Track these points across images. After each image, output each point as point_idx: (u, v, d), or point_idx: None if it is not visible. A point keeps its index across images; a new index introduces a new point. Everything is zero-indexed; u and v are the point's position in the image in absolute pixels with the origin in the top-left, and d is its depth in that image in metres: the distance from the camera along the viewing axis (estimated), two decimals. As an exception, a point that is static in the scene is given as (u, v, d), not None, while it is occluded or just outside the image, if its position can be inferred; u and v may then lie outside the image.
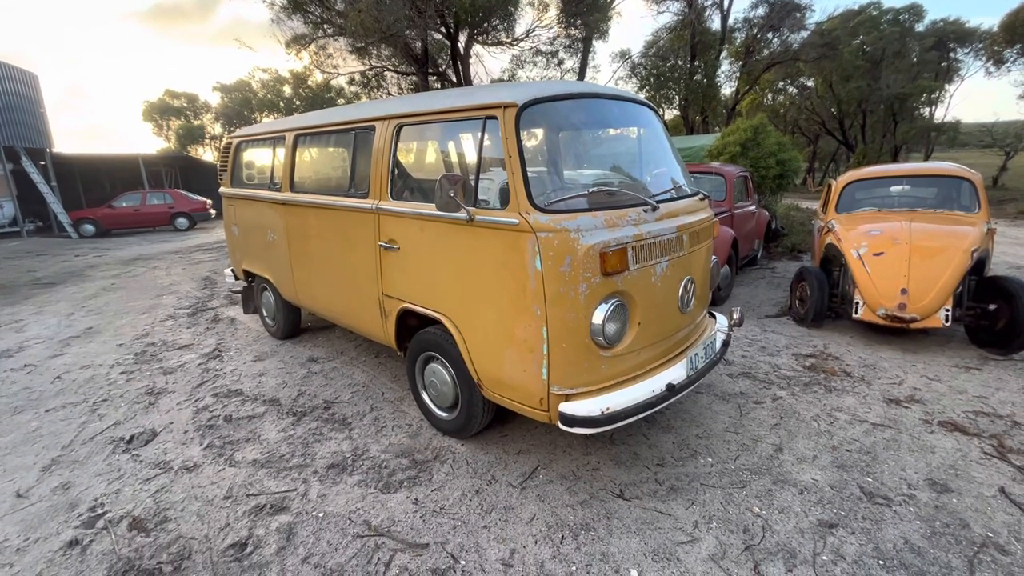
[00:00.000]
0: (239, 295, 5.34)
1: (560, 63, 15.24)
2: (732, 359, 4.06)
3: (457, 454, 2.82)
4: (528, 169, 2.20)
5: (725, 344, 2.94)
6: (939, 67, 23.58)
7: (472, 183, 2.33)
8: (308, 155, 3.97)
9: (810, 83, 24.44)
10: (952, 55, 23.46)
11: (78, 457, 2.95)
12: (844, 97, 22.74)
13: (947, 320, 3.94)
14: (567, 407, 2.20)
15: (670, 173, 2.84)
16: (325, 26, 11.84)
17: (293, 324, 4.72)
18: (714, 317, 3.17)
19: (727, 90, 19.54)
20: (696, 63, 16.94)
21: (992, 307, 4.05)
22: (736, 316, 3.04)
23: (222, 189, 4.88)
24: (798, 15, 17.54)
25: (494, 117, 2.27)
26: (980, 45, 21.75)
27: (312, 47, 12.41)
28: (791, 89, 26.33)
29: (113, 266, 9.78)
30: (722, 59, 18.25)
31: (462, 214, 2.29)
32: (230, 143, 4.81)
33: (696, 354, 2.61)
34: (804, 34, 18.26)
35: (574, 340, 2.19)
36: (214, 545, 2.19)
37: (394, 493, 2.50)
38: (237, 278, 5.12)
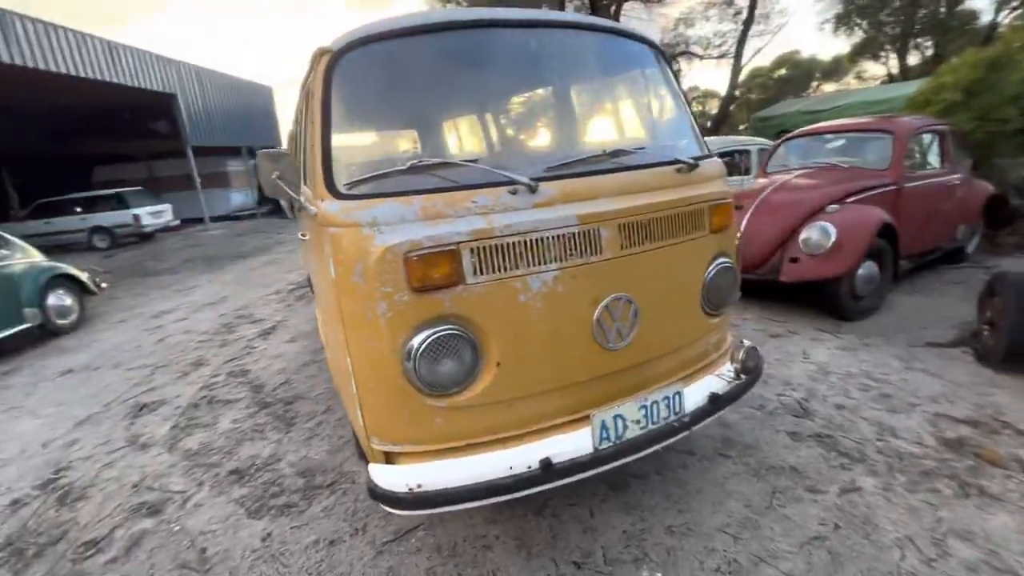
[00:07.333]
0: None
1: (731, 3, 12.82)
2: (816, 408, 2.71)
3: (357, 484, 2.39)
4: (343, 140, 1.60)
5: (716, 400, 1.85)
6: None
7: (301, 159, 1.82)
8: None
9: None
10: None
11: (101, 420, 3.36)
12: None
13: None
14: (376, 472, 1.58)
15: (626, 133, 1.86)
16: None
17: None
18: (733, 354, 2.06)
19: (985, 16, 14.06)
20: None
21: None
22: (741, 355, 1.89)
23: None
24: None
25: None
26: None
27: None
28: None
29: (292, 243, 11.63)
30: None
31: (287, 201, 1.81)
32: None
33: (622, 416, 1.66)
34: None
35: (382, 379, 1.54)
36: (80, 536, 2.20)
37: (257, 520, 2.20)
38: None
